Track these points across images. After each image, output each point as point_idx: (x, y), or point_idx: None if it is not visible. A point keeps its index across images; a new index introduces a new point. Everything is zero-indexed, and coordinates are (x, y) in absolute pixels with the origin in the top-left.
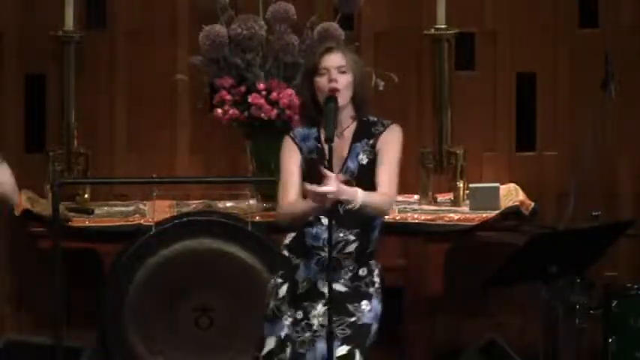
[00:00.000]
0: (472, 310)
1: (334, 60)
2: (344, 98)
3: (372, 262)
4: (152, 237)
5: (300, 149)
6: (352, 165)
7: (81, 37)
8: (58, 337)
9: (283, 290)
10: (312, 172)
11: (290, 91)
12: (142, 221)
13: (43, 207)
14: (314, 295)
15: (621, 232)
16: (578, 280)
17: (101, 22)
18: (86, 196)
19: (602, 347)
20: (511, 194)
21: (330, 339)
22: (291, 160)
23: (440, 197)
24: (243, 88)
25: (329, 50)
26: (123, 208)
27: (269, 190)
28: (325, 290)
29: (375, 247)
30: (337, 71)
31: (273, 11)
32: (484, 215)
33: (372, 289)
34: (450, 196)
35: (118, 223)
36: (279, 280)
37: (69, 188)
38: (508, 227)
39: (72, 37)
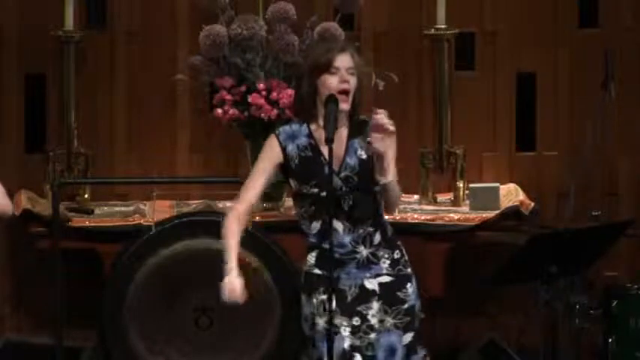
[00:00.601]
0: (472, 310)
1: (346, 61)
2: (350, 101)
3: (399, 242)
4: (152, 237)
5: (285, 149)
6: (352, 161)
7: (81, 37)
8: (58, 337)
9: (332, 305)
10: (309, 169)
11: (290, 91)
12: (142, 221)
13: (43, 207)
14: (365, 297)
15: (621, 232)
16: (578, 280)
17: (101, 22)
18: (86, 196)
19: (602, 347)
20: (511, 194)
21: (330, 339)
22: (266, 160)
23: (440, 197)
24: (243, 88)
25: (342, 50)
26: (123, 208)
27: (269, 190)
28: (374, 287)
29: (391, 230)
30: (347, 73)
31: (273, 11)
32: (484, 215)
33: (409, 269)
34: (450, 196)
35: (118, 223)
36: (323, 297)
37: (69, 188)
38: (508, 227)
39: (72, 37)
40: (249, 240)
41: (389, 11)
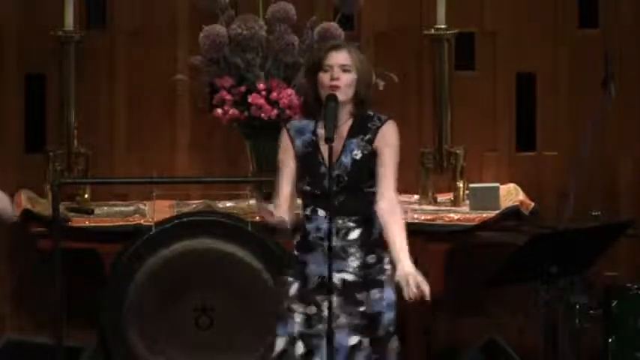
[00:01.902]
0: (472, 310)
1: (338, 58)
2: (344, 94)
3: (380, 250)
4: (152, 237)
5: (293, 142)
6: (345, 160)
7: (81, 37)
8: (58, 337)
9: (294, 288)
10: (307, 166)
11: (290, 91)
12: (142, 221)
13: (43, 207)
14: (326, 288)
15: (621, 232)
16: (578, 280)
17: (101, 22)
18: (86, 196)
19: (602, 347)
20: (511, 194)
21: (331, 338)
22: (286, 153)
23: (440, 197)
24: (243, 88)
25: (335, 48)
26: (123, 208)
27: (269, 190)
28: (336, 281)
29: (377, 235)
30: (340, 69)
31: (273, 11)
32: (484, 215)
33: (383, 277)
34: (450, 196)
35: (118, 223)
36: (290, 279)
37: (69, 188)
38: (508, 227)
39: (72, 37)
40: (249, 240)
41: (389, 11)
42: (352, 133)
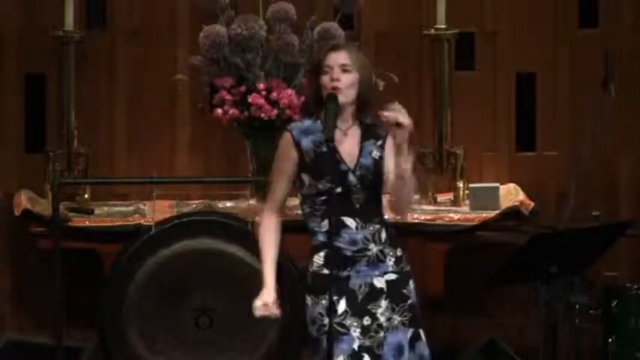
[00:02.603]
0: (472, 310)
1: (338, 58)
2: (346, 96)
3: (400, 240)
4: (152, 237)
5: (299, 144)
6: (367, 161)
7: (81, 37)
8: (58, 337)
9: (342, 305)
10: (321, 165)
11: (290, 91)
12: (142, 221)
13: (43, 207)
14: (375, 295)
15: (621, 232)
16: (578, 280)
17: (101, 22)
18: (86, 196)
19: (602, 347)
20: (511, 194)
21: (330, 338)
22: (286, 159)
23: (440, 197)
24: (243, 88)
25: (334, 48)
26: (123, 208)
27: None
28: (382, 285)
29: (393, 229)
30: (340, 70)
31: (273, 11)
32: (484, 215)
33: (409, 267)
34: (450, 196)
35: (118, 223)
36: (335, 297)
37: (69, 188)
38: (508, 227)
39: (72, 37)
40: (249, 240)
41: (389, 11)
42: (365, 136)
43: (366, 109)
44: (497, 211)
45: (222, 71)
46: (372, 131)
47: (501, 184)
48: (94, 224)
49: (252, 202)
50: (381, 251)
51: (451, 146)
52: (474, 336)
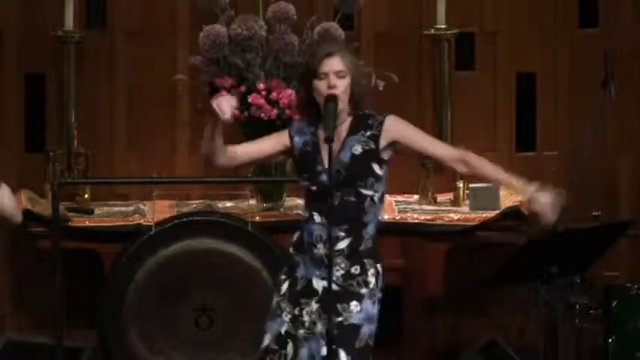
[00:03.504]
0: (472, 310)
1: (333, 65)
2: (342, 101)
3: (368, 261)
4: (152, 237)
5: (292, 139)
6: (344, 157)
7: (81, 37)
8: (58, 337)
9: (285, 287)
10: (305, 164)
11: (290, 91)
12: (142, 221)
13: (43, 207)
14: (309, 292)
15: (621, 232)
16: (578, 280)
17: (101, 22)
18: (86, 196)
19: (602, 347)
20: (511, 194)
21: (331, 340)
22: (273, 136)
23: (440, 197)
24: (243, 88)
25: (328, 55)
26: (123, 208)
27: (269, 190)
28: (319, 288)
29: (369, 245)
30: (336, 76)
31: (273, 11)
32: (484, 215)
33: (364, 290)
34: (450, 196)
35: (118, 223)
36: (283, 277)
37: (69, 188)
38: (508, 227)
39: (72, 37)
40: (249, 240)
41: (389, 11)
42: (352, 130)
43: (360, 102)
44: (497, 211)
45: (222, 71)
46: (362, 122)
47: None
48: (94, 224)
49: (252, 202)
50: (328, 256)
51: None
52: (474, 336)
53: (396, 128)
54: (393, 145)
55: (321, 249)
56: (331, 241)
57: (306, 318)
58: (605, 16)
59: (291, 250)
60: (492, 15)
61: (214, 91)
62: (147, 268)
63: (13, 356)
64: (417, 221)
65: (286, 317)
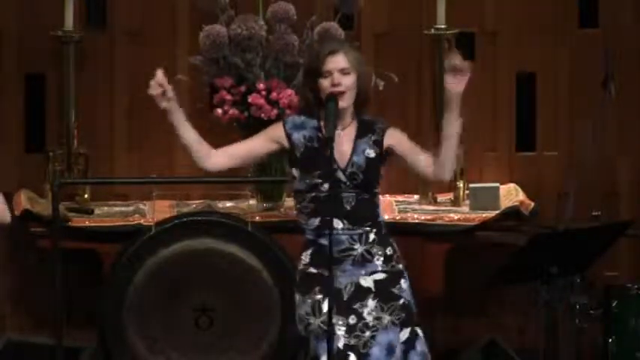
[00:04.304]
0: (472, 310)
1: (337, 62)
2: (347, 99)
3: (392, 240)
4: (152, 237)
5: (290, 136)
6: (359, 159)
7: (81, 37)
8: (58, 337)
9: (325, 305)
10: (312, 160)
11: (290, 91)
12: (142, 221)
13: (43, 207)
14: (361, 294)
15: (621, 232)
16: (578, 280)
17: (101, 22)
18: (86, 196)
19: (602, 347)
20: (511, 194)
21: (331, 339)
22: (263, 134)
23: (440, 197)
24: (243, 88)
25: (332, 53)
26: (123, 208)
27: (269, 190)
28: (370, 284)
29: (385, 230)
30: (340, 74)
31: (273, 11)
32: (484, 215)
33: (402, 265)
34: (450, 196)
35: (118, 223)
36: (319, 297)
37: (69, 188)
38: (508, 227)
39: (72, 37)
40: (249, 240)
41: (389, 11)
42: (360, 134)
43: (365, 104)
44: (497, 211)
45: (222, 71)
46: (368, 127)
47: (501, 184)
48: (93, 224)
49: (252, 202)
50: (368, 251)
51: None
52: (474, 336)
53: (392, 137)
54: (387, 152)
55: (358, 248)
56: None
57: (368, 318)
58: (605, 16)
59: (312, 270)
60: (492, 15)
61: (214, 91)
62: (147, 268)
63: (13, 356)
64: (417, 221)
65: (340, 331)
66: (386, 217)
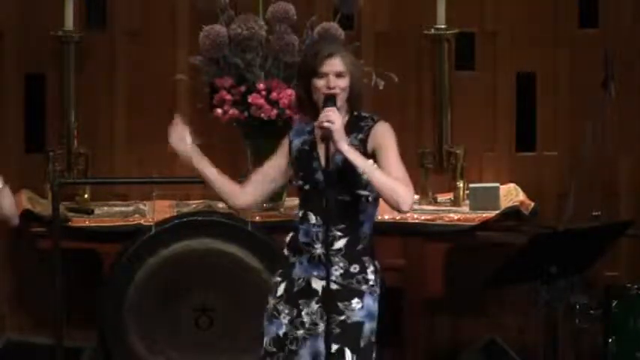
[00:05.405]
0: (472, 310)
1: (333, 65)
2: (341, 100)
3: (366, 258)
4: (152, 237)
5: (291, 143)
6: (338, 158)
7: (81, 37)
8: (58, 337)
9: (281, 289)
10: (301, 162)
11: (290, 91)
12: (142, 221)
13: (43, 207)
14: (308, 293)
15: (621, 232)
16: (578, 280)
17: (101, 22)
18: (86, 196)
19: (602, 347)
20: (511, 194)
21: (328, 339)
22: (273, 160)
23: (440, 197)
24: (243, 88)
25: (329, 56)
26: (123, 208)
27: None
28: (318, 288)
29: (367, 244)
30: (335, 77)
31: (273, 11)
32: (484, 215)
33: (364, 287)
34: (450, 196)
35: (118, 223)
36: (278, 279)
37: (69, 188)
38: (508, 227)
39: (72, 37)
40: (249, 240)
41: (389, 11)
42: (348, 132)
43: (358, 102)
44: (497, 211)
45: (222, 71)
46: (356, 124)
47: (501, 184)
48: (93, 224)
49: None
50: (326, 256)
51: (451, 146)
52: (474, 336)
53: (376, 138)
54: (373, 154)
55: (318, 249)
56: (327, 240)
57: (306, 319)
58: (605, 16)
59: (285, 251)
60: (492, 15)
61: (214, 91)
62: (147, 268)
63: (13, 356)
64: (417, 221)
65: (284, 319)
66: (386, 217)
